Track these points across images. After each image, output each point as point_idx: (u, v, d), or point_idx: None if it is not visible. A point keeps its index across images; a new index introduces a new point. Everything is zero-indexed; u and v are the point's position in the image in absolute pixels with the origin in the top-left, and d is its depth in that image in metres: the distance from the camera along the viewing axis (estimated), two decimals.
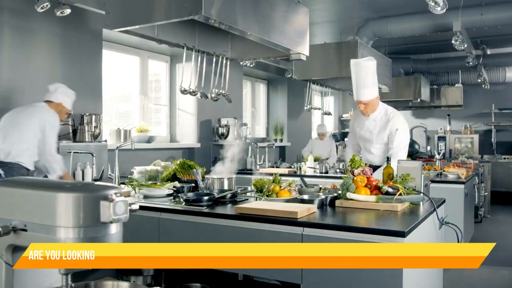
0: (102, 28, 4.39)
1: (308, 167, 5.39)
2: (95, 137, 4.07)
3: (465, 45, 5.36)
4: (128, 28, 2.73)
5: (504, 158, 8.59)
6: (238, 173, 4.96)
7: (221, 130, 6.00)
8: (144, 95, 5.53)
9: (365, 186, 2.63)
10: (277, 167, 5.89)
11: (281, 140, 7.79)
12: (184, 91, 3.44)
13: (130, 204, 0.94)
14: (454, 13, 5.20)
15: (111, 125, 4.98)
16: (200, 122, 5.85)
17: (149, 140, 5.26)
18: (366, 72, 3.50)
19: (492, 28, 5.72)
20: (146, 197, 3.02)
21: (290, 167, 5.73)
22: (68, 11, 3.31)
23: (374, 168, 3.61)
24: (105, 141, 4.15)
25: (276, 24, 3.14)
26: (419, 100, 8.11)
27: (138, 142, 5.07)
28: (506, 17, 5.15)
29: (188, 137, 5.82)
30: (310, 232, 2.13)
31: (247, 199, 2.87)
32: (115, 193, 0.90)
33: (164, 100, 5.90)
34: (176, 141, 5.83)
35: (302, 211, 2.26)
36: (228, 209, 2.57)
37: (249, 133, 6.46)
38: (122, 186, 3.57)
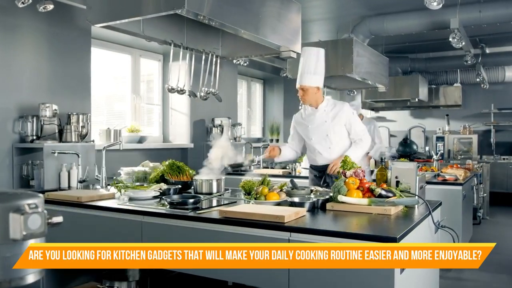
0: (91, 25, 4.27)
1: (302, 167, 5.27)
2: (83, 137, 3.96)
3: (463, 43, 5.25)
4: (110, 23, 2.62)
5: (504, 159, 8.47)
6: (229, 174, 4.85)
7: (214, 130, 5.89)
8: (136, 94, 5.42)
9: (357, 188, 2.52)
10: (271, 167, 5.77)
11: (277, 140, 7.67)
12: (171, 90, 3.32)
13: (50, 217, 0.80)
14: (451, 10, 5.09)
15: (102, 125, 4.87)
16: (194, 122, 5.74)
17: (141, 140, 5.14)
18: (310, 58, 3.44)
19: (491, 26, 5.60)
20: (131, 199, 2.91)
21: (285, 168, 5.62)
22: (51, 6, 3.20)
23: (322, 168, 3.52)
24: (93, 141, 4.03)
25: (267, 20, 3.03)
26: (417, 99, 7.98)
27: (129, 143, 4.97)
28: (505, 15, 5.03)
29: (181, 137, 5.71)
30: (298, 237, 2.02)
31: (235, 202, 2.76)
32: (29, 204, 0.76)
33: (157, 100, 5.79)
34: (169, 141, 5.72)
35: (289, 215, 2.14)
36: (214, 213, 2.46)
37: (243, 133, 6.34)
38: (109, 187, 3.46)
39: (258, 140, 7.63)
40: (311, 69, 3.42)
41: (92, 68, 4.48)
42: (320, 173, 3.57)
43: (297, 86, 3.51)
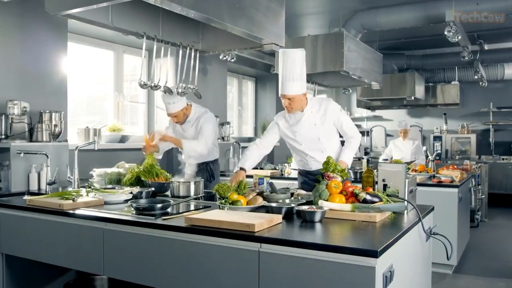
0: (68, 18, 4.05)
1: (292, 168, 5.04)
2: (56, 136, 3.73)
3: (459, 37, 5.01)
4: (71, 11, 2.39)
5: (503, 159, 8.25)
6: None
7: None
8: (119, 92, 5.20)
9: (340, 192, 2.30)
10: (261, 168, 5.55)
11: None
12: (143, 85, 3.10)
13: None
14: (447, 3, 4.87)
15: (83, 124, 4.65)
16: None
17: (122, 139, 4.91)
18: (293, 64, 3.07)
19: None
20: None
21: (275, 169, 5.40)
22: None
23: (316, 172, 3.17)
24: (66, 141, 3.80)
25: (248, 12, 2.81)
26: (413, 98, 7.77)
27: (110, 142, 4.75)
28: (504, 8, 4.79)
29: None
30: (268, 249, 1.79)
31: (210, 207, 2.54)
32: None
33: (142, 98, 5.57)
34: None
35: (261, 223, 1.92)
36: (183, 219, 2.23)
37: (232, 132, 6.12)
38: (82, 189, 3.23)
39: (250, 139, 7.40)
40: (296, 75, 3.07)
41: (72, 64, 4.26)
42: (314, 177, 3.26)
43: (280, 94, 3.17)
